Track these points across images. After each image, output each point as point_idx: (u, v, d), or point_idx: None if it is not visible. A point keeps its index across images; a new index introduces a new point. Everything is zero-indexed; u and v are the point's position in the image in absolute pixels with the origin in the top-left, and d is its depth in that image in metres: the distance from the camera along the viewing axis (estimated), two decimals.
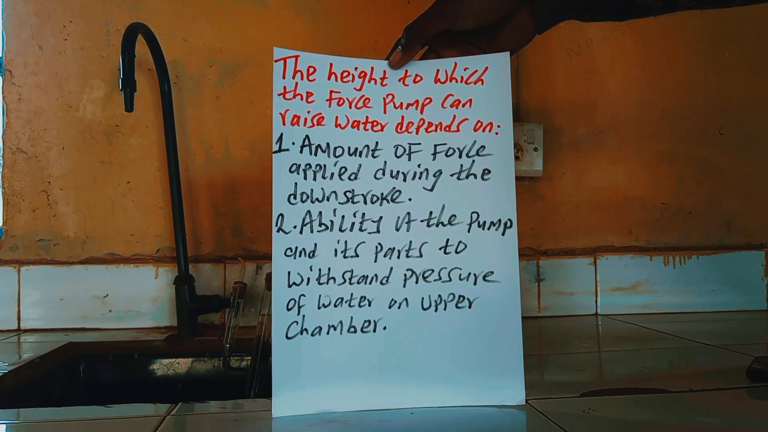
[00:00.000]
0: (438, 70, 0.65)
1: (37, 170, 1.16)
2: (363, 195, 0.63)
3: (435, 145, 0.64)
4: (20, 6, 1.16)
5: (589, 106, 1.25)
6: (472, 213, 0.63)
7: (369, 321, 0.62)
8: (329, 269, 0.62)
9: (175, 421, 0.61)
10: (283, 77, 0.62)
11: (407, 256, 0.63)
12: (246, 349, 0.98)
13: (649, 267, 1.23)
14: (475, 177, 0.63)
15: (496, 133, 0.64)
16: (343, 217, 0.62)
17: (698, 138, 1.27)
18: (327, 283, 0.62)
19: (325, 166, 0.62)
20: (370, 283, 0.62)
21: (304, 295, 0.61)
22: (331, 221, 0.62)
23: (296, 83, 0.63)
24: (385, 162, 0.63)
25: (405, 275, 0.63)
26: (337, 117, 0.63)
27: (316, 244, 0.61)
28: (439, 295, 0.63)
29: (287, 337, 0.60)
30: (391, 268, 0.62)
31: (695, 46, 1.27)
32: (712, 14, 1.26)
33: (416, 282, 0.63)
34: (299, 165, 0.62)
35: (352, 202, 0.63)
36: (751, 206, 1.28)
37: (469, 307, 0.62)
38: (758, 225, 1.27)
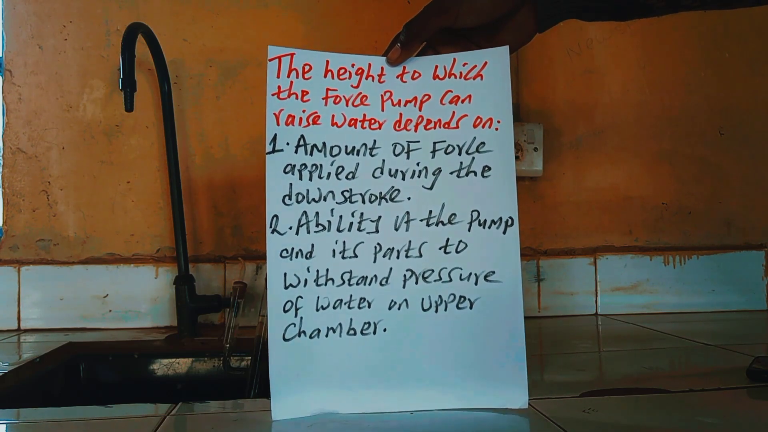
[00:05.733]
0: (436, 67, 0.64)
1: (37, 170, 1.16)
2: (361, 194, 0.62)
3: (434, 143, 0.63)
4: (20, 6, 1.16)
5: (589, 106, 1.25)
6: (473, 211, 0.62)
7: (369, 323, 0.61)
8: (327, 270, 0.61)
9: (175, 421, 0.61)
10: (278, 76, 0.61)
11: (407, 256, 0.62)
12: (246, 349, 0.98)
13: (649, 267, 1.23)
14: (475, 174, 0.62)
15: (496, 129, 0.63)
16: (341, 217, 0.61)
17: (698, 138, 1.27)
18: (325, 284, 0.61)
19: (321, 165, 0.61)
20: (370, 284, 0.61)
21: (301, 297, 0.60)
22: (329, 221, 0.61)
23: (291, 82, 0.61)
24: (384, 160, 0.62)
25: (405, 276, 0.61)
26: (333, 115, 0.62)
27: (313, 245, 0.61)
28: (440, 296, 0.61)
29: (285, 339, 0.59)
30: (391, 269, 0.61)
31: (695, 46, 1.27)
32: (712, 14, 1.26)
33: (416, 282, 0.61)
34: (294, 165, 0.61)
35: (350, 202, 0.61)
36: (751, 206, 1.28)
37: (470, 307, 0.61)
38: (758, 225, 1.27)
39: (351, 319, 0.61)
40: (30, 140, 1.16)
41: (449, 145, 0.63)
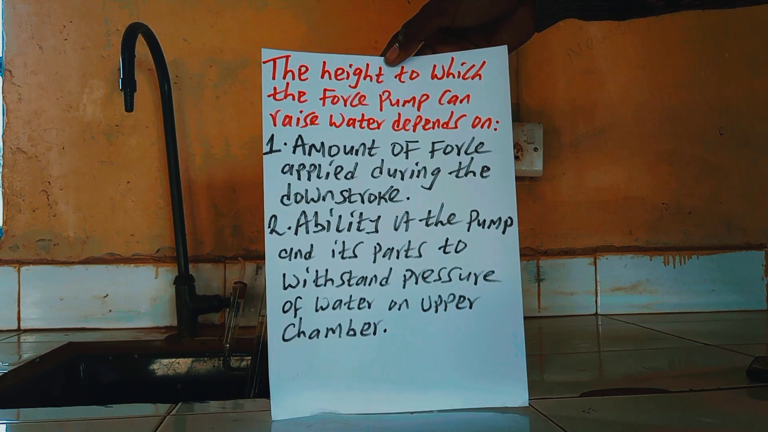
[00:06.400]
0: (435, 66, 0.64)
1: (37, 170, 1.16)
2: (360, 194, 0.62)
3: (433, 143, 0.63)
4: (20, 6, 1.16)
5: (589, 106, 1.25)
6: (472, 211, 0.62)
7: (369, 323, 0.61)
8: (327, 270, 0.61)
9: (175, 421, 0.61)
10: (273, 78, 0.61)
11: (406, 257, 0.62)
12: (246, 349, 0.98)
13: (649, 267, 1.23)
14: (474, 174, 0.62)
15: (495, 129, 0.63)
16: (340, 216, 0.61)
17: (698, 138, 1.27)
18: (324, 285, 0.61)
19: (319, 165, 0.61)
20: (370, 285, 0.61)
21: (300, 298, 0.60)
22: (328, 221, 0.61)
23: (287, 83, 0.62)
24: (383, 160, 0.62)
25: (405, 276, 0.62)
26: (331, 116, 0.62)
27: (312, 245, 0.61)
28: (440, 296, 0.62)
29: (284, 339, 0.60)
30: (391, 269, 0.61)
31: (695, 46, 1.27)
32: (712, 14, 1.26)
33: (416, 283, 0.62)
34: (292, 165, 0.61)
35: (350, 202, 0.61)
36: (751, 206, 1.28)
37: (470, 307, 0.62)
38: (758, 225, 1.27)
39: (351, 320, 0.61)
40: (30, 140, 1.16)
41: (448, 145, 0.63)
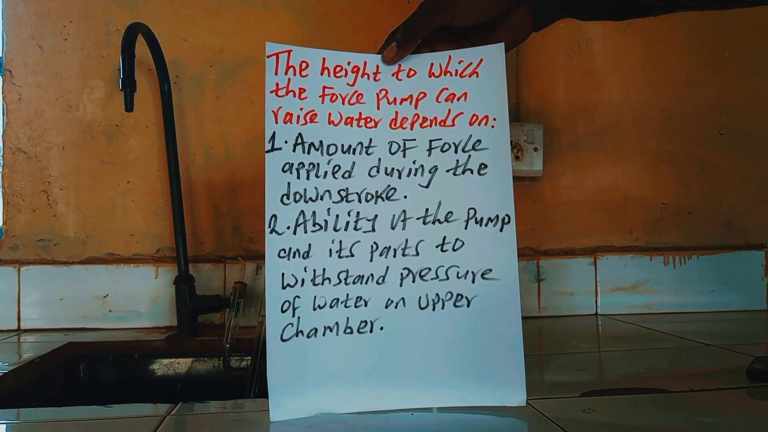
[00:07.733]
0: (432, 64, 0.64)
1: (37, 170, 1.16)
2: (357, 193, 0.62)
3: (430, 141, 0.63)
4: (20, 6, 1.17)
5: (589, 106, 1.25)
6: (469, 209, 0.62)
7: (365, 321, 0.61)
8: (324, 270, 0.61)
9: (175, 421, 0.61)
10: (276, 73, 0.61)
11: (403, 255, 0.62)
12: (246, 349, 0.98)
13: (649, 267, 1.23)
14: (472, 172, 0.62)
15: (492, 127, 0.63)
16: (337, 216, 0.61)
17: (698, 138, 1.27)
18: (322, 283, 0.61)
19: (318, 164, 0.61)
20: (366, 283, 0.61)
21: (298, 297, 0.60)
22: (325, 221, 0.61)
23: (289, 79, 0.61)
24: (380, 159, 0.62)
25: (401, 274, 0.62)
26: (330, 114, 0.62)
27: (310, 245, 0.61)
28: (437, 294, 0.62)
29: (282, 340, 0.59)
30: (387, 268, 0.62)
31: (695, 46, 1.27)
32: (712, 14, 1.26)
33: (413, 281, 0.62)
34: (292, 164, 0.61)
35: (347, 201, 0.62)
36: (751, 206, 1.27)
37: (468, 305, 0.61)
38: (758, 225, 1.27)
39: (348, 318, 0.61)
40: (30, 140, 1.16)
41: (445, 143, 0.63)
